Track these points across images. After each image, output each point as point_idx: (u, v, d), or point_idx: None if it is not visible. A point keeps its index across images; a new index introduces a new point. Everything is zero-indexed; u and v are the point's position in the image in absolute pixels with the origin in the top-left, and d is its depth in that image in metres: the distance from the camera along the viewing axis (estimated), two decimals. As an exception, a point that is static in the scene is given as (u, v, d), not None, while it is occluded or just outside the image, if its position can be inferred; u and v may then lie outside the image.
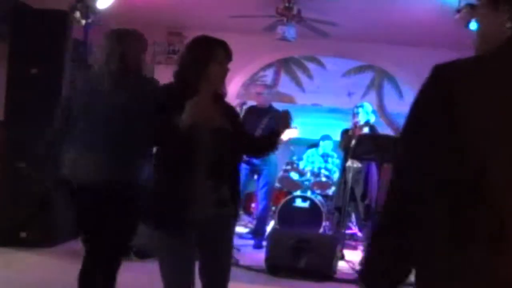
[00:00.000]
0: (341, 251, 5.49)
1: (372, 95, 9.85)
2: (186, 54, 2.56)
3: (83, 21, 5.28)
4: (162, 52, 8.01)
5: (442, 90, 1.00)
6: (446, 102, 0.98)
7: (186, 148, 2.44)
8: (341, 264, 5.29)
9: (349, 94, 9.95)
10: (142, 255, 4.92)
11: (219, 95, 2.66)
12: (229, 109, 2.75)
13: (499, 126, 0.94)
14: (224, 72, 2.58)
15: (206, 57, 2.51)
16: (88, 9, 5.31)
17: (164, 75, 3.01)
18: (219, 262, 2.67)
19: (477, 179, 0.96)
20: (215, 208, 2.55)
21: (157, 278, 2.56)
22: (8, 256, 4.93)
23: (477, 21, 1.17)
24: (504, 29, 1.05)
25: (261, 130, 5.78)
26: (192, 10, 6.88)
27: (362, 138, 5.63)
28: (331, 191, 6.95)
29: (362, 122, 6.12)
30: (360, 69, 10.50)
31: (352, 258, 5.60)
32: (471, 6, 5.42)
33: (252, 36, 7.44)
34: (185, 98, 2.40)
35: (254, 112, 6.18)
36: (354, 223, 6.86)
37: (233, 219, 2.76)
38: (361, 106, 6.26)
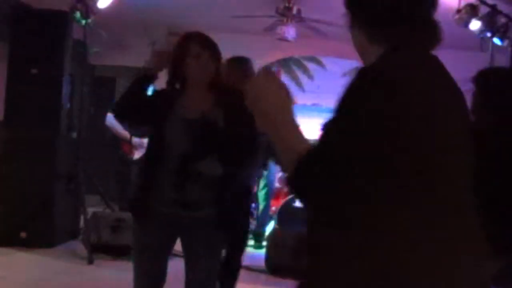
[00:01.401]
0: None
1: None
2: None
3: (83, 21, 5.28)
4: (162, 52, 8.00)
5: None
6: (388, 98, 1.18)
7: (157, 141, 2.42)
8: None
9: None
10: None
11: (217, 85, 2.47)
12: (228, 100, 2.41)
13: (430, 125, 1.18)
14: (202, 64, 2.40)
15: (180, 53, 2.43)
16: (88, 9, 5.30)
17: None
18: (195, 271, 2.46)
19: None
20: (180, 209, 2.36)
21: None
22: (8, 256, 4.92)
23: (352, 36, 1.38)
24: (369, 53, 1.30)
25: None
26: (192, 10, 6.88)
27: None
28: (331, 191, 6.92)
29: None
30: (360, 69, 10.48)
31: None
32: (471, 6, 5.42)
33: (252, 36, 7.44)
34: (175, 95, 2.45)
35: None
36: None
37: (214, 226, 2.42)
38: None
